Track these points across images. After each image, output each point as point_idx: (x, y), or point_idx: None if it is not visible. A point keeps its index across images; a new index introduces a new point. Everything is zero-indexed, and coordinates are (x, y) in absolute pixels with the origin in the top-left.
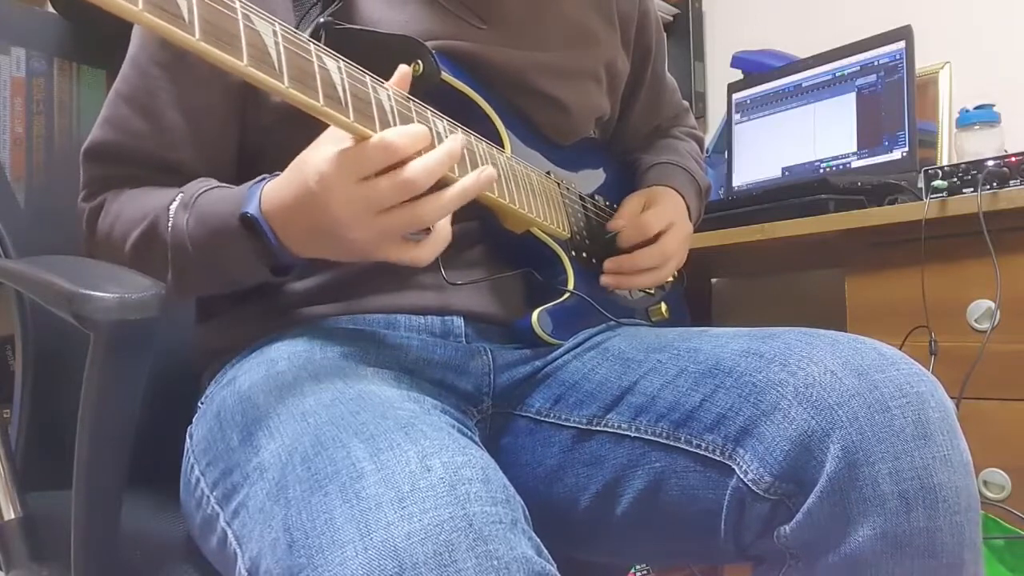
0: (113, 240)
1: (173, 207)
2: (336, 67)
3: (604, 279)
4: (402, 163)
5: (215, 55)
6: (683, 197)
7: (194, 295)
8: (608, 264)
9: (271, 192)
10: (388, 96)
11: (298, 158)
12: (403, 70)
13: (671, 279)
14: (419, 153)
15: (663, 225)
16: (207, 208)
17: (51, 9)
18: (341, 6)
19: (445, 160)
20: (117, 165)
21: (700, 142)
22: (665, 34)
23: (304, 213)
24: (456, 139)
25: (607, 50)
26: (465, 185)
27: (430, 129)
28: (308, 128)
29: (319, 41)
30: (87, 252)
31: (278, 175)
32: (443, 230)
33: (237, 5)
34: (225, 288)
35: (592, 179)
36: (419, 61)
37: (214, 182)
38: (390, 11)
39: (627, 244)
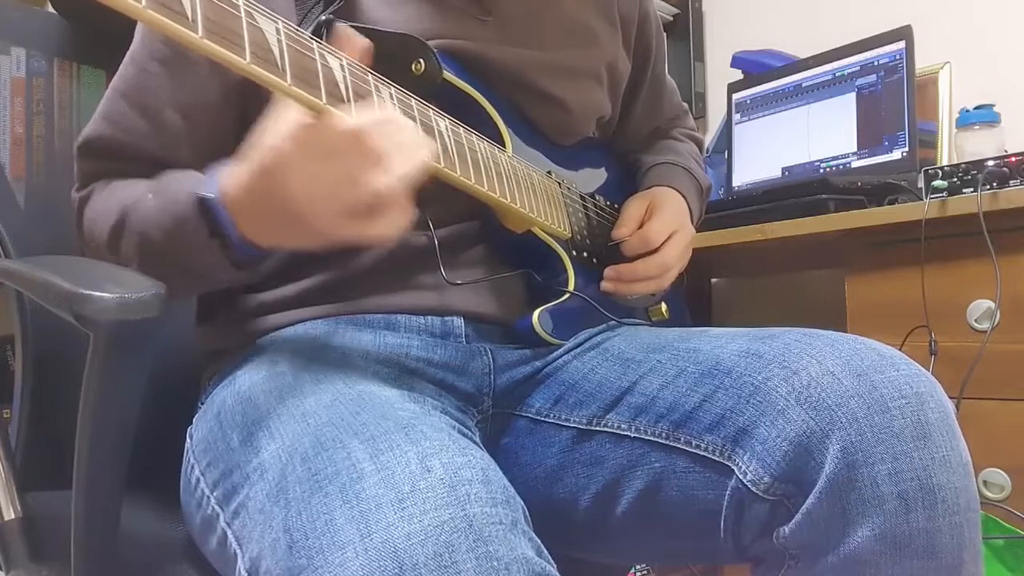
0: (95, 231)
1: (146, 194)
2: (339, 65)
3: (604, 285)
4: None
5: (218, 52)
6: (684, 198)
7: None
8: (608, 272)
9: (229, 175)
10: (391, 94)
11: (255, 137)
12: (345, 33)
13: None
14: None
15: (666, 236)
16: (171, 194)
17: (51, 9)
18: (342, 5)
19: (418, 136)
20: (111, 161)
21: (699, 143)
22: (665, 34)
23: (261, 193)
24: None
25: (608, 50)
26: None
27: (432, 129)
28: None
29: (321, 39)
30: (78, 244)
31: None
32: (400, 199)
33: (240, 2)
34: (191, 283)
35: (593, 179)
36: (421, 60)
37: (192, 172)
38: (391, 10)
39: (631, 254)
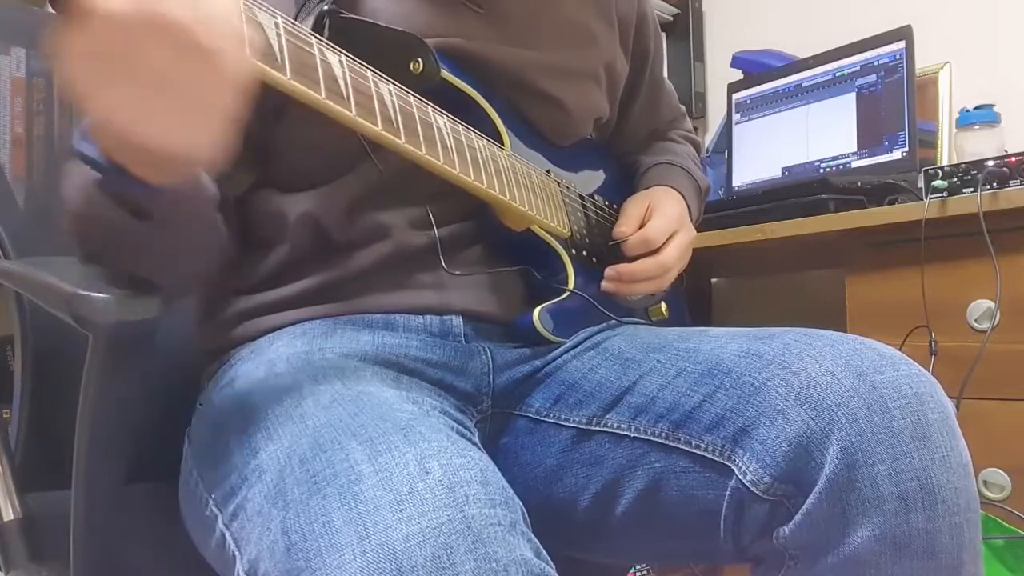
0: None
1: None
2: (338, 61)
3: (604, 285)
4: None
5: None
6: (684, 197)
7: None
8: (608, 272)
9: None
10: (390, 91)
11: None
12: None
13: None
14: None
15: (667, 236)
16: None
17: (51, 9)
18: None
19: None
20: None
21: (697, 146)
22: (665, 34)
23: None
24: None
25: (606, 51)
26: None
27: (431, 126)
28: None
29: (322, 30)
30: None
31: None
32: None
33: None
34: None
35: (592, 179)
36: (419, 59)
37: None
38: (392, 3)
39: (631, 254)
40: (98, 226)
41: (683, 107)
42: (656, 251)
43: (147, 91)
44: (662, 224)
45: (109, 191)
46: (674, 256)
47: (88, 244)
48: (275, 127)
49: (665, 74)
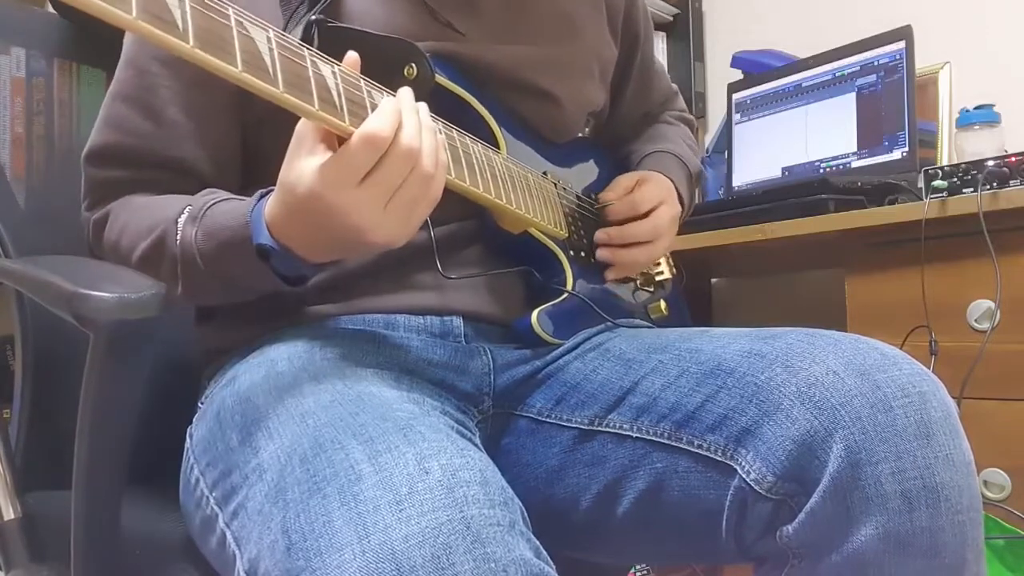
0: (120, 252)
1: (181, 220)
2: (330, 72)
3: (599, 252)
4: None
5: (210, 62)
6: (672, 181)
7: (205, 304)
8: (599, 234)
9: (276, 221)
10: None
11: (281, 181)
12: (352, 57)
13: (669, 277)
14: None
15: (653, 203)
16: (216, 223)
17: (51, 9)
18: (329, 4)
19: (416, 114)
20: (120, 167)
21: (690, 124)
22: (665, 34)
23: (313, 228)
24: (406, 91)
25: (595, 39)
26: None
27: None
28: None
29: (311, 40)
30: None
31: (272, 192)
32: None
33: (230, 12)
34: (237, 297)
35: (588, 177)
36: (413, 64)
37: (222, 193)
38: (376, 7)
39: (617, 219)
40: (207, 276)
41: (675, 86)
42: (645, 215)
43: (383, 201)
44: (649, 193)
45: (280, 271)
46: (664, 220)
47: (160, 276)
48: (264, 131)
49: (665, 72)
